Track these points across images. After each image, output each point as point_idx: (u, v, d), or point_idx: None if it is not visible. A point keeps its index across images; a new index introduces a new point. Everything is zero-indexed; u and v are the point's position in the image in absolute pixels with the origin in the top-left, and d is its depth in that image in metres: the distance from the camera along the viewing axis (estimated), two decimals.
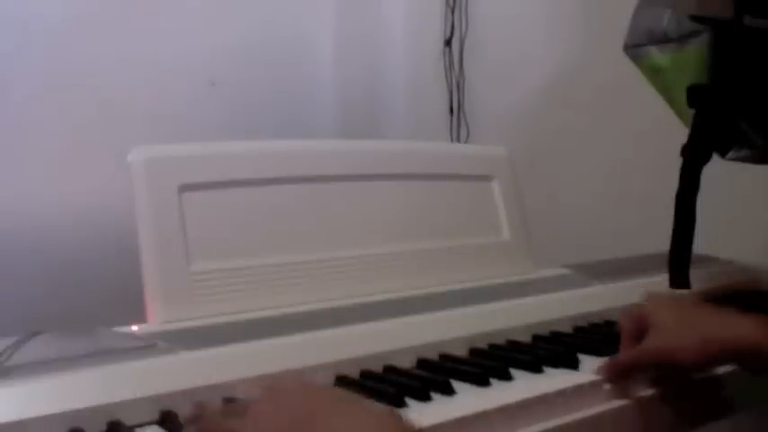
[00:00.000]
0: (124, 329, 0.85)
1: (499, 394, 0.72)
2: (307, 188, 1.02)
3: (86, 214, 1.62)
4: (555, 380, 0.75)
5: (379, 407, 0.64)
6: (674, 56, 0.99)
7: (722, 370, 0.83)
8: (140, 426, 0.65)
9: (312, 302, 0.96)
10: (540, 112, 1.79)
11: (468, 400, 0.71)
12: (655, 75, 1.03)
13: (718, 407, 0.87)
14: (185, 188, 0.92)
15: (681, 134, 0.98)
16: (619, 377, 0.77)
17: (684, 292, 0.96)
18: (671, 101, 1.03)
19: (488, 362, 0.82)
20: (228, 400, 0.69)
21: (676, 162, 0.97)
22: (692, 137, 0.97)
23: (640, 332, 0.80)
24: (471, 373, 0.76)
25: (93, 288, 1.59)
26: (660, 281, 1.00)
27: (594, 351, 0.84)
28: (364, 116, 2.09)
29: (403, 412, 0.65)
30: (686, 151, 0.97)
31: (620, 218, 1.60)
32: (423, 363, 0.82)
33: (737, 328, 0.76)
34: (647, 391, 0.78)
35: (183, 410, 0.66)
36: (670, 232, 0.97)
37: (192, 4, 1.84)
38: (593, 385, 0.75)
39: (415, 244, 1.09)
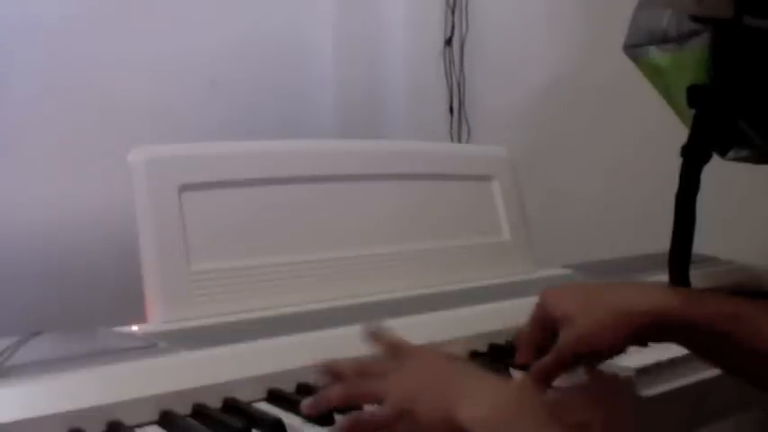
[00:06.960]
0: (124, 329, 0.85)
1: None
2: (307, 188, 1.02)
3: (86, 214, 1.62)
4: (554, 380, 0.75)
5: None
6: (674, 56, 0.99)
7: None
8: (140, 426, 0.65)
9: (312, 302, 0.96)
10: (541, 112, 1.79)
11: None
12: (655, 75, 1.03)
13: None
14: (185, 188, 0.92)
15: (681, 134, 0.98)
16: (544, 383, 0.71)
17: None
18: (671, 101, 1.03)
19: (488, 362, 0.82)
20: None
21: (676, 162, 0.97)
22: (692, 137, 0.97)
23: (551, 333, 0.74)
24: None
25: (94, 288, 1.59)
26: (660, 281, 1.00)
27: None
28: (364, 116, 2.08)
29: None
30: (686, 151, 0.96)
31: (620, 218, 1.60)
32: None
33: (646, 298, 0.70)
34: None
35: (183, 410, 0.67)
36: (670, 232, 0.97)
37: (191, 4, 1.83)
38: None
39: (415, 244, 1.09)
